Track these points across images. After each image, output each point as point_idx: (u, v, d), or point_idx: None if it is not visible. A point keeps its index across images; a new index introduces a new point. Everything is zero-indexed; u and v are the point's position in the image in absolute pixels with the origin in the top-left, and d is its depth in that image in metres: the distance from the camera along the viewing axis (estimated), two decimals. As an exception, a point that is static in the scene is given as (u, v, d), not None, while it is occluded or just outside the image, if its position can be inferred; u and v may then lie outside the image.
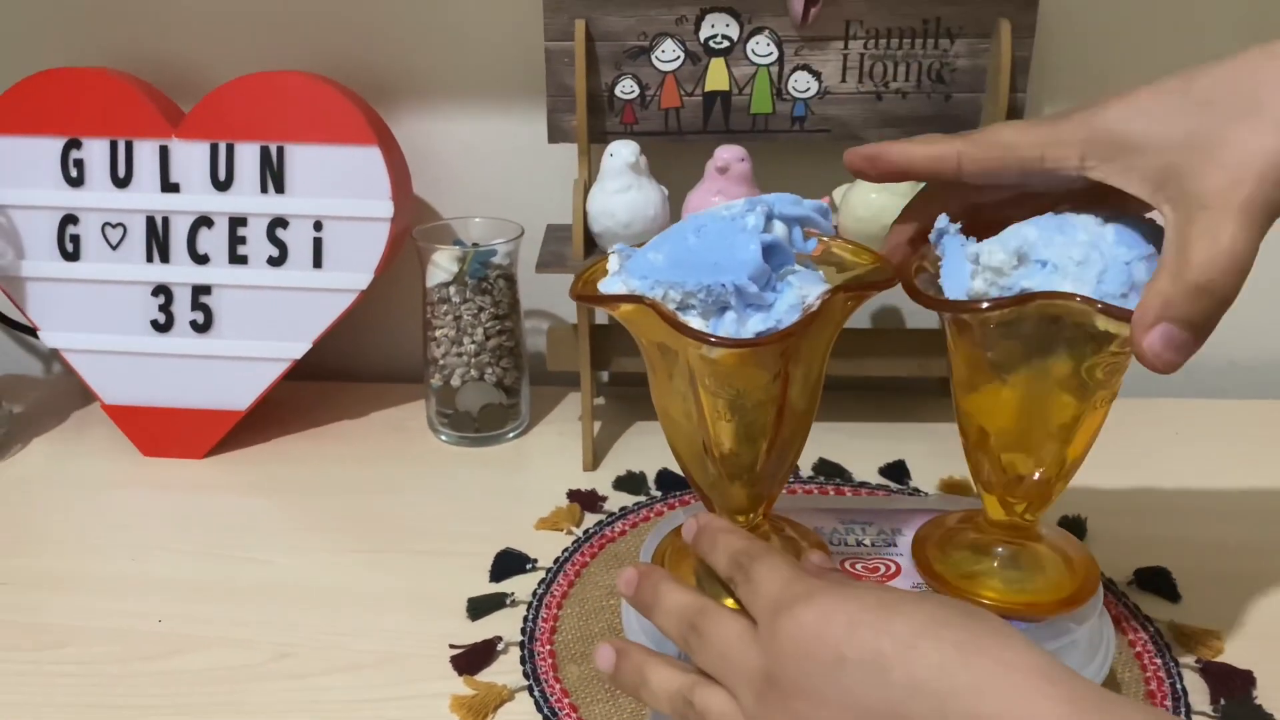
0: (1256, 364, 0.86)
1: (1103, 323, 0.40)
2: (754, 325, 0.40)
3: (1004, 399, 0.44)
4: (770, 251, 0.41)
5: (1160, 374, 0.38)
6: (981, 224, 0.44)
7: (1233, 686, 0.53)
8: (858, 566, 0.49)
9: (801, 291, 0.41)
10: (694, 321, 0.40)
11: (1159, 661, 0.54)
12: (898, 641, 0.35)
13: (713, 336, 0.40)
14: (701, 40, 0.73)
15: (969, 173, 0.43)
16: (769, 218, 0.41)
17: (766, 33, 0.73)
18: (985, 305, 0.41)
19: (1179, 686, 0.53)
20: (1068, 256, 0.40)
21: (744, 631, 0.40)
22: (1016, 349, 0.42)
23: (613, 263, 0.43)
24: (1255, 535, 0.65)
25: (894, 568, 0.49)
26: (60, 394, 0.86)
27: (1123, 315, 0.39)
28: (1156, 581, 0.60)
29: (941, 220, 0.44)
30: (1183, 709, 0.51)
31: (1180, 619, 0.58)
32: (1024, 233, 0.41)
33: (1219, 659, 0.55)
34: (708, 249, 0.40)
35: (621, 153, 0.68)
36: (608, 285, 0.43)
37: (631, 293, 0.41)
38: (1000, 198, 0.45)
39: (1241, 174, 0.37)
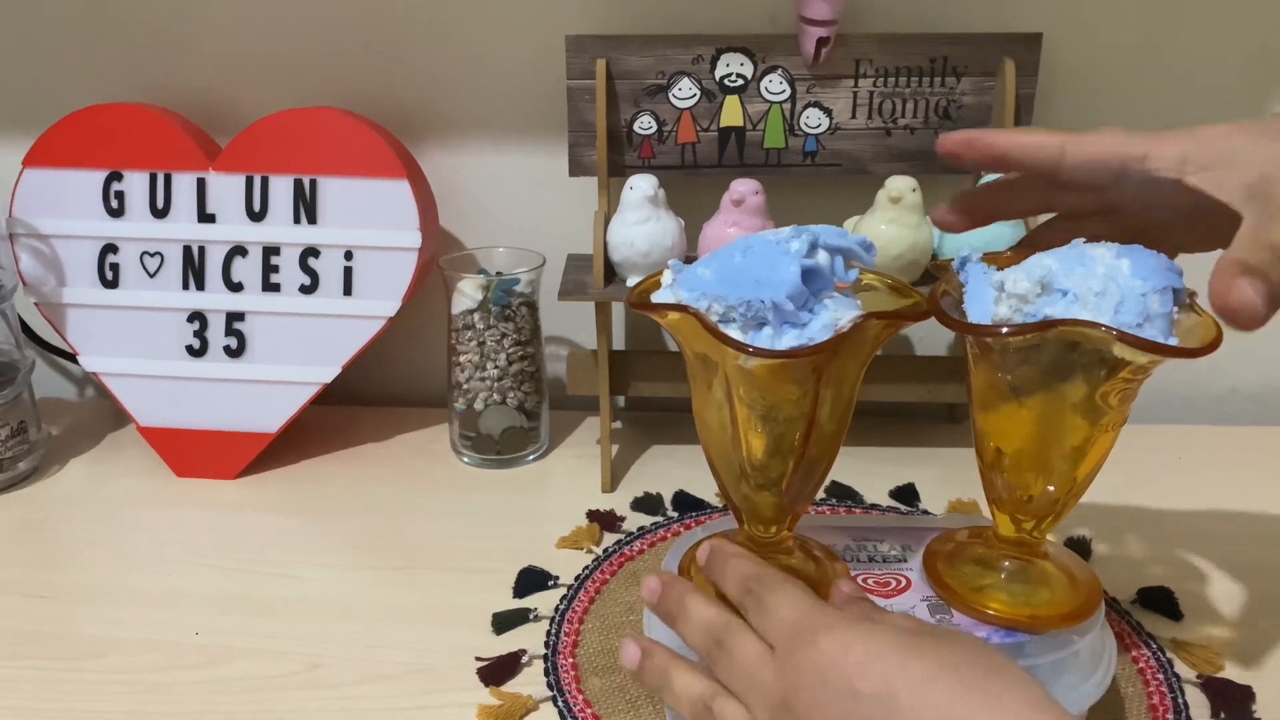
0: (1258, 391, 0.88)
1: (1119, 350, 0.42)
2: (787, 341, 0.43)
3: (1020, 420, 0.46)
4: (809, 275, 0.43)
5: (1242, 328, 0.40)
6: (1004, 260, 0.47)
7: (1232, 701, 0.55)
8: (870, 581, 0.51)
9: (835, 314, 0.43)
10: (733, 333, 0.43)
11: (1161, 677, 0.56)
12: (910, 682, 0.38)
13: (750, 347, 0.42)
14: (717, 79, 0.76)
15: (1071, 164, 0.45)
16: (813, 246, 0.44)
17: (779, 71, 0.76)
18: (1009, 330, 0.43)
19: (1181, 701, 0.55)
20: (1087, 287, 0.42)
21: (763, 653, 0.42)
22: (1034, 373, 0.45)
23: (667, 276, 0.46)
24: (1255, 557, 0.67)
25: (905, 581, 0.51)
26: (94, 417, 0.89)
27: (1139, 344, 0.41)
28: (1159, 601, 0.62)
29: (964, 249, 0.47)
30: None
31: (1182, 637, 0.59)
32: (1046, 263, 0.44)
33: (1219, 675, 0.56)
34: (752, 268, 0.43)
35: (641, 186, 0.71)
36: (660, 296, 0.46)
37: (679, 303, 0.44)
38: (1072, 206, 0.47)
39: None
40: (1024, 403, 0.46)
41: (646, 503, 0.74)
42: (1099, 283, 0.42)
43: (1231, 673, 0.57)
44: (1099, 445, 0.46)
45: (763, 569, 0.45)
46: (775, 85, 0.76)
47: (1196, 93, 0.79)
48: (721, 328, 0.43)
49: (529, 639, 0.60)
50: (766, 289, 0.42)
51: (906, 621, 0.43)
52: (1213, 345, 0.42)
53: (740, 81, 0.76)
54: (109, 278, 0.78)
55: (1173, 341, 0.42)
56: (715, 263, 0.44)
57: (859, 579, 0.51)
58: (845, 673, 0.39)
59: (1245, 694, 0.55)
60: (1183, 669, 0.57)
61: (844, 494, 0.75)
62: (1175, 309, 0.43)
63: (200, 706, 0.55)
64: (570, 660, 0.58)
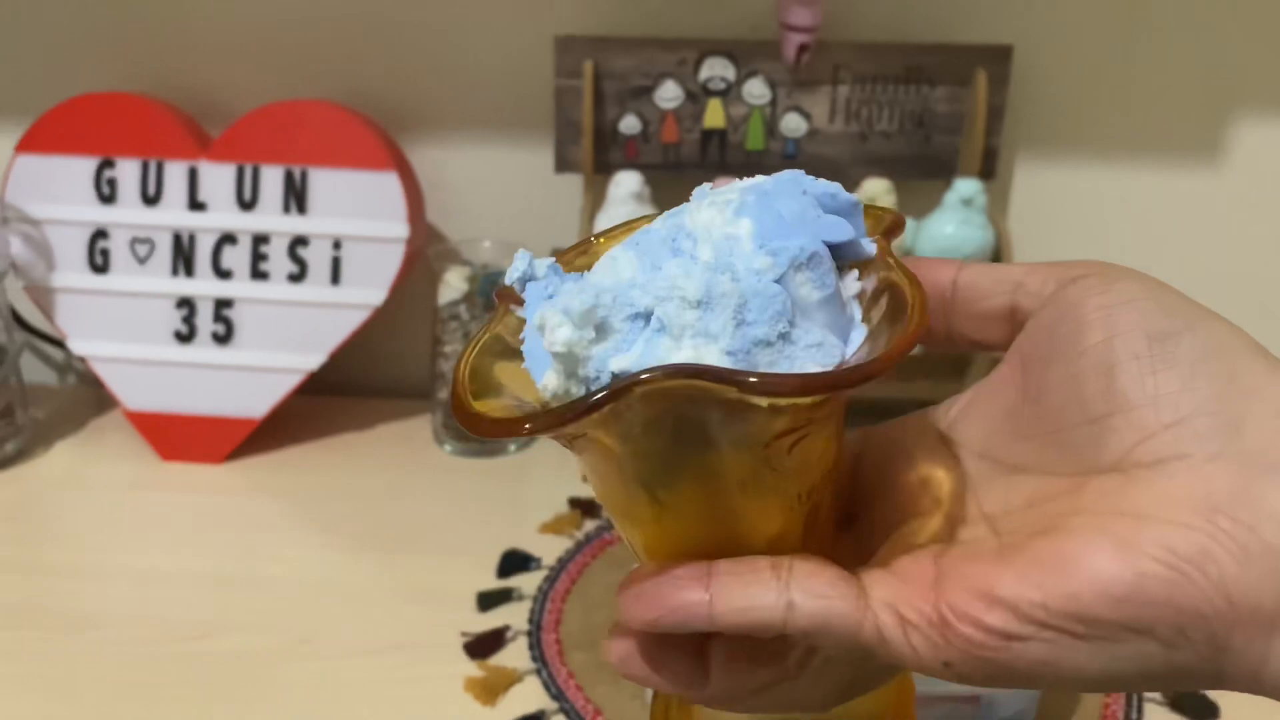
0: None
1: (761, 400, 0.24)
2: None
3: (668, 525, 0.27)
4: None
5: None
6: None
7: (1202, 715, 0.57)
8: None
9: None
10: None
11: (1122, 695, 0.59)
12: None
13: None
14: (700, 81, 0.79)
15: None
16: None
17: (761, 76, 0.79)
18: (531, 425, 0.24)
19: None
20: (680, 297, 0.24)
21: None
22: (654, 456, 0.26)
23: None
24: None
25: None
26: (77, 402, 0.89)
27: (777, 388, 0.23)
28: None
29: (521, 257, 0.28)
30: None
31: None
32: (611, 278, 0.26)
33: (1188, 691, 0.59)
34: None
35: (627, 183, 0.73)
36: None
37: None
38: None
39: None
40: (662, 499, 0.27)
41: (626, 491, 0.76)
42: (696, 284, 0.24)
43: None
44: (816, 512, 0.28)
45: None
46: (757, 89, 0.79)
47: (1163, 105, 0.83)
48: None
49: (513, 616, 0.62)
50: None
51: None
52: (910, 339, 0.24)
53: (723, 85, 0.79)
54: (99, 263, 0.79)
55: (856, 338, 0.25)
56: None
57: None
58: None
59: (1210, 709, 0.57)
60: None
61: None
62: (856, 275, 0.26)
63: (194, 676, 0.57)
64: (553, 635, 0.60)
